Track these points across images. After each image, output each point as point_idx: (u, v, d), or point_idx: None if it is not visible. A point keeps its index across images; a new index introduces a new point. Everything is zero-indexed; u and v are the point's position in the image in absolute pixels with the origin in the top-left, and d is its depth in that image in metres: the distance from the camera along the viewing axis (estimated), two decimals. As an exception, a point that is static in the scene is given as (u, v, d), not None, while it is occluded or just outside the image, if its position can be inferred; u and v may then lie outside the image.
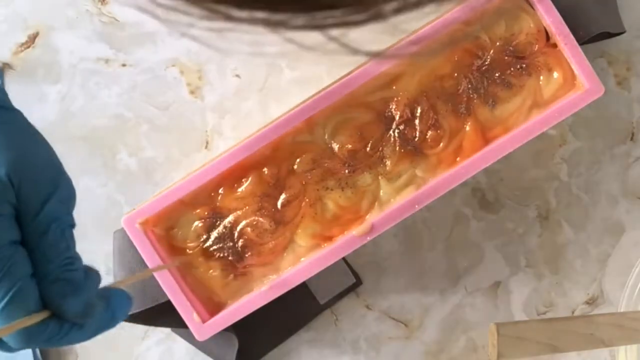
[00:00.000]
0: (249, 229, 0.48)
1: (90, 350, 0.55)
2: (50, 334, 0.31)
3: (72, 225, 0.33)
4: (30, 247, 0.31)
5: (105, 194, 0.56)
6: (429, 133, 0.48)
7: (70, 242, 0.32)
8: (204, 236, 0.48)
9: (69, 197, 0.33)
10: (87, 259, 0.53)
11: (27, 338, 0.31)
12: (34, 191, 0.31)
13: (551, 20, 0.47)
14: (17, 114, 0.33)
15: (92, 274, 0.33)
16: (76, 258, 0.32)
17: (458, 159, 0.48)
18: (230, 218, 0.48)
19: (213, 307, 0.48)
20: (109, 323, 0.33)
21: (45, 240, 0.31)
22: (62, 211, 0.32)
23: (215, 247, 0.48)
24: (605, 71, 0.55)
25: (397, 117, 0.48)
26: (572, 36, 0.46)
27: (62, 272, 0.31)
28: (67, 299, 0.31)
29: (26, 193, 0.31)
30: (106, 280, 0.54)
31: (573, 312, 0.55)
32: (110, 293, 0.34)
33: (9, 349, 0.32)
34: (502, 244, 0.55)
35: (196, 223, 0.48)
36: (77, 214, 0.33)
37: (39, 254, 0.31)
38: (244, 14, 0.19)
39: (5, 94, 0.34)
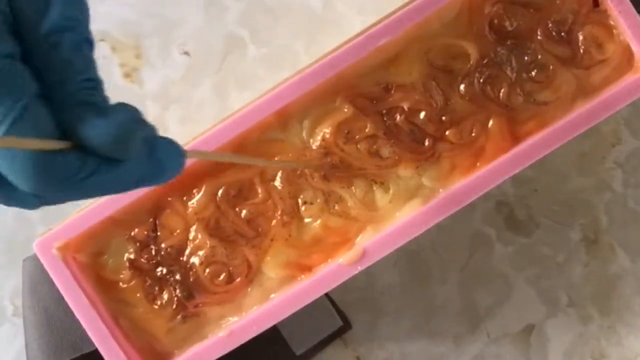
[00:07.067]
0: (202, 257, 0.47)
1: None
2: (71, 169, 0.31)
3: (90, 41, 0.32)
4: (39, 66, 0.31)
5: (13, 210, 0.55)
6: (440, 129, 0.48)
7: (90, 62, 0.32)
8: (143, 265, 0.48)
9: (80, 2, 0.32)
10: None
11: (41, 172, 0.30)
12: None
13: (600, -23, 0.47)
14: None
15: (125, 106, 0.33)
16: (99, 82, 0.32)
17: (478, 163, 0.47)
18: (178, 242, 0.48)
19: (154, 358, 0.48)
20: (155, 173, 0.33)
21: (56, 55, 0.31)
22: (75, 19, 0.32)
23: (157, 279, 0.48)
24: (673, 48, 0.55)
25: (396, 108, 0.48)
26: (628, -1, 0.46)
27: (82, 95, 0.32)
28: (88, 122, 0.31)
29: None
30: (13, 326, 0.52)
31: (631, 366, 0.54)
32: (157, 139, 0.34)
33: (23, 199, 0.32)
34: (536, 275, 0.55)
35: (132, 248, 0.48)
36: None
37: (51, 73, 0.31)
38: None
39: None
